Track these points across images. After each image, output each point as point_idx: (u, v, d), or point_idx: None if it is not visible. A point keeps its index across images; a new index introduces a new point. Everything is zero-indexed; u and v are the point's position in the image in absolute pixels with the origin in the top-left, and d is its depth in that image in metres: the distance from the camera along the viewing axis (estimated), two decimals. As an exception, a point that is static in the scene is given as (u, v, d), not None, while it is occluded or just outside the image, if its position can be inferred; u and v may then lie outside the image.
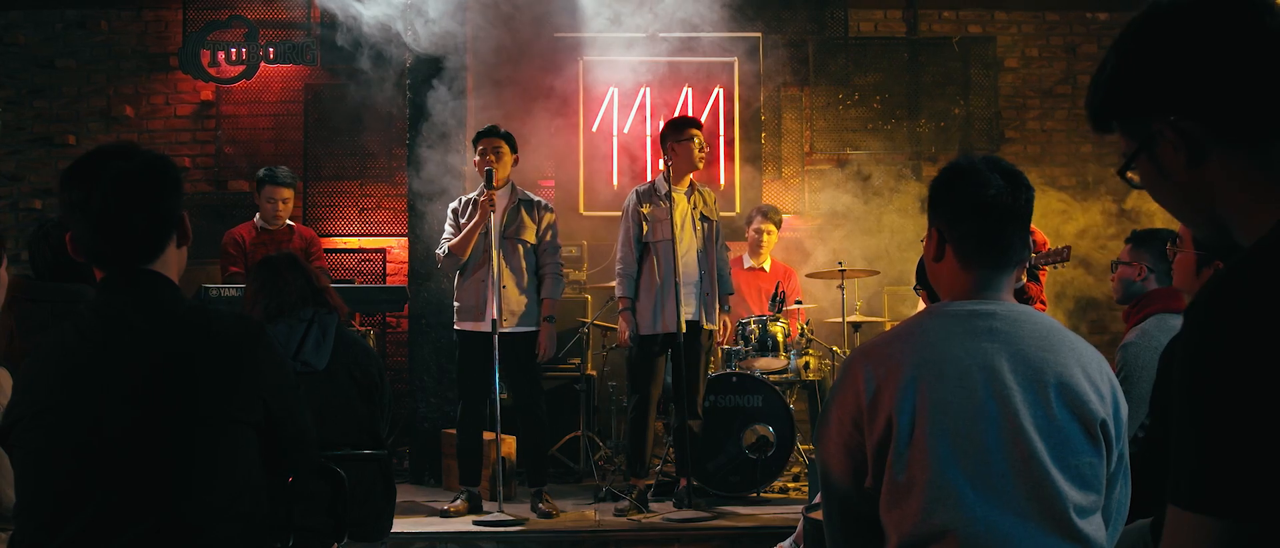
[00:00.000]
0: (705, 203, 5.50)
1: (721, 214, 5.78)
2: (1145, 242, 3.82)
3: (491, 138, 5.42)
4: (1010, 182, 1.97)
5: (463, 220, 5.46)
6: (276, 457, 1.96)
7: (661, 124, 5.82)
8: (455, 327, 5.51)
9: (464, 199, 5.55)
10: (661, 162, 5.47)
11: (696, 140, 5.40)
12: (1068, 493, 1.83)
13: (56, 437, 1.83)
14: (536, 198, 5.57)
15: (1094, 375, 1.91)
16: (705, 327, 5.42)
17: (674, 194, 5.40)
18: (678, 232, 5.33)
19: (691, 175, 5.46)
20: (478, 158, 5.44)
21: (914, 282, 5.57)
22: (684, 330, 5.26)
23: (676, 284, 5.24)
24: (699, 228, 5.39)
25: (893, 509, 1.87)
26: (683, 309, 5.25)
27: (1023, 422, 1.84)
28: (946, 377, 1.87)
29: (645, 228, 5.38)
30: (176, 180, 1.97)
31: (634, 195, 5.49)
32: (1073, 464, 1.85)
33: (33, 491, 1.86)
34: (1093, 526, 1.87)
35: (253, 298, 3.26)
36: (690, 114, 7.47)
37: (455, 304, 5.52)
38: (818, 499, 3.40)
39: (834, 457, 1.96)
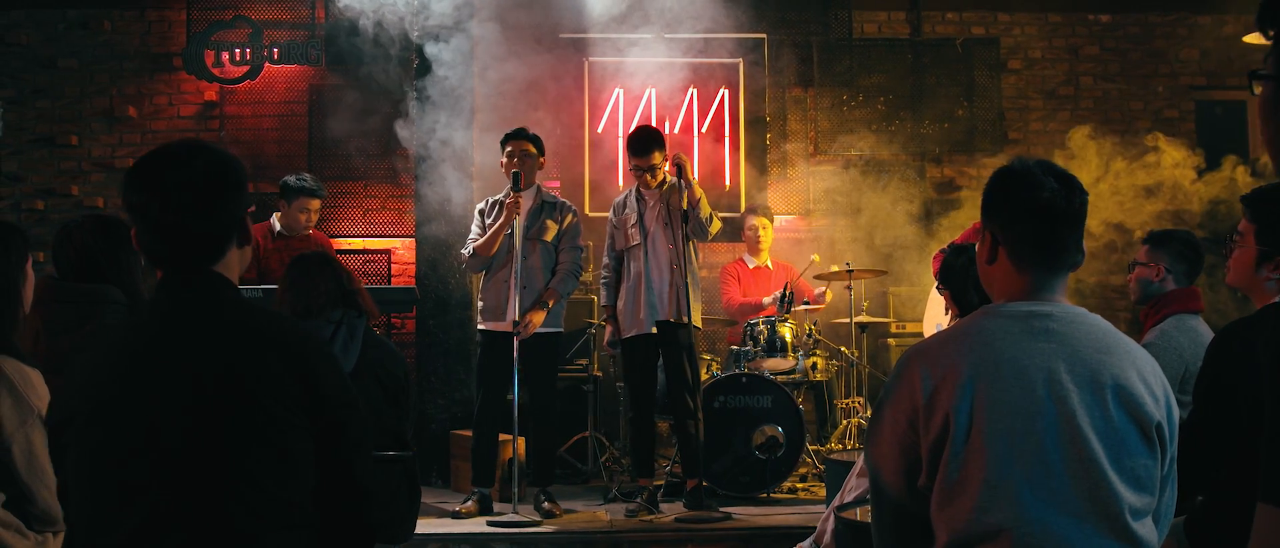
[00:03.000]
0: (679, 201, 5.39)
1: (726, 214, 5.81)
2: (1163, 242, 3.84)
3: (519, 140, 5.46)
4: (1064, 185, 1.98)
5: (488, 221, 5.50)
6: (332, 466, 1.90)
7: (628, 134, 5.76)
8: (479, 326, 5.55)
9: (490, 200, 5.60)
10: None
11: (640, 169, 5.39)
12: (1124, 495, 1.84)
13: (111, 437, 1.81)
14: (560, 199, 5.62)
15: (1149, 378, 1.93)
16: (684, 322, 5.36)
17: (644, 200, 5.48)
18: (650, 236, 5.41)
19: (665, 176, 5.46)
20: (505, 159, 5.47)
21: (936, 282, 5.59)
22: (655, 331, 5.37)
23: (647, 288, 5.37)
24: (669, 229, 5.39)
25: (945, 507, 1.88)
26: (651, 310, 5.37)
27: (1081, 423, 1.85)
28: (1004, 378, 1.88)
29: (614, 238, 5.55)
30: (239, 183, 1.94)
31: (611, 208, 5.66)
32: (1129, 467, 1.86)
33: (87, 491, 1.83)
34: (1145, 527, 1.88)
35: (282, 295, 3.25)
36: (696, 115, 7.50)
37: (479, 303, 5.57)
38: (850, 498, 3.41)
39: (887, 456, 1.97)
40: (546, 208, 5.52)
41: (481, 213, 5.58)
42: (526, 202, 5.42)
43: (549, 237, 5.47)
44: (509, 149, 5.46)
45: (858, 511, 3.28)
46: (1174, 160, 6.42)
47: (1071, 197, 1.98)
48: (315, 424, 1.85)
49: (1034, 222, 1.97)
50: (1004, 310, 1.98)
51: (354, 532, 1.97)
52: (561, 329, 5.60)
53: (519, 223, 5.31)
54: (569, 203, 5.65)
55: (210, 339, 1.84)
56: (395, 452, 3.30)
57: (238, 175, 1.94)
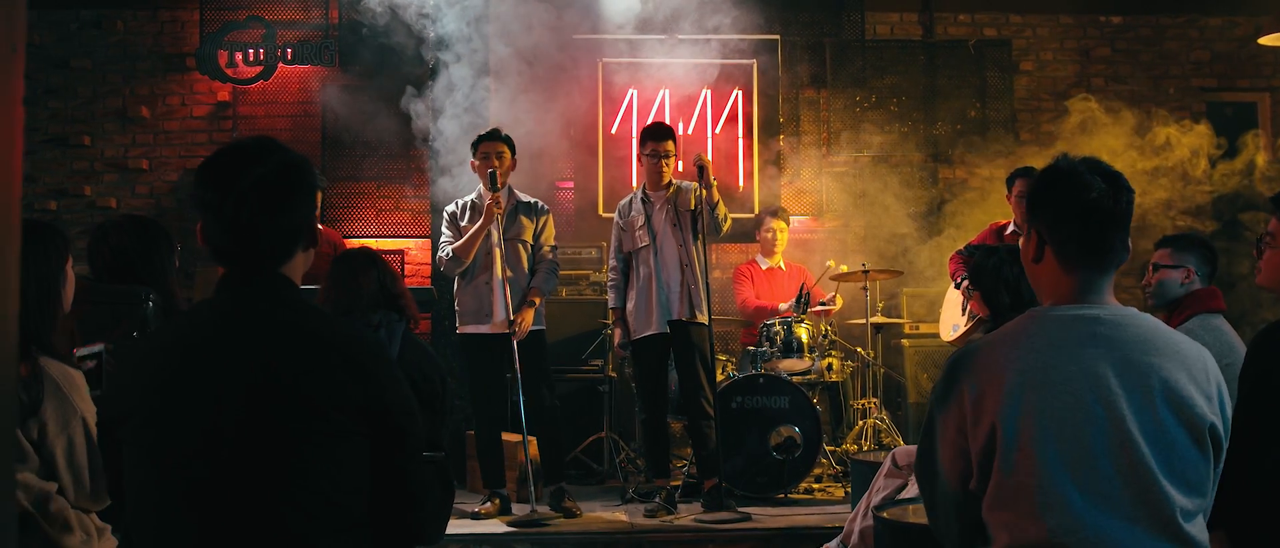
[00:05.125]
0: (687, 202, 5.45)
1: (737, 215, 5.81)
2: (1188, 246, 3.85)
3: (493, 142, 5.45)
4: (1111, 184, 1.97)
5: (462, 224, 5.50)
6: (388, 471, 1.90)
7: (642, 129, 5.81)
8: (459, 331, 5.53)
9: (461, 203, 5.60)
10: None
11: (657, 154, 5.42)
12: (1175, 498, 1.84)
13: (170, 437, 1.79)
14: (532, 199, 5.62)
15: (1200, 379, 1.91)
16: (696, 321, 5.39)
17: (650, 201, 5.50)
18: (660, 237, 5.43)
19: (671, 178, 5.50)
20: (477, 161, 5.47)
21: (953, 282, 5.59)
22: (667, 331, 5.39)
23: (659, 289, 5.39)
24: (677, 230, 5.42)
25: (998, 512, 1.88)
26: (663, 310, 5.38)
27: (1130, 427, 1.85)
28: (1052, 383, 1.87)
29: (621, 240, 5.56)
30: (313, 187, 1.93)
31: (616, 210, 5.67)
32: (1180, 469, 1.86)
33: (151, 496, 1.81)
34: (1197, 527, 1.88)
35: (324, 293, 3.24)
36: (709, 116, 7.51)
37: (457, 308, 5.55)
38: (878, 499, 3.43)
39: (944, 459, 1.97)
40: (522, 208, 5.52)
41: (453, 216, 5.55)
42: (501, 202, 5.40)
43: (527, 236, 5.48)
44: (482, 150, 5.44)
45: (888, 511, 3.29)
46: (1190, 145, 6.44)
47: (1119, 195, 1.97)
48: (374, 430, 1.84)
49: (1082, 221, 1.96)
50: (1053, 313, 1.97)
51: (403, 535, 1.97)
52: (545, 327, 5.60)
53: (498, 224, 5.32)
54: (542, 203, 5.64)
55: (270, 339, 1.82)
56: (429, 453, 3.29)
57: (311, 178, 1.93)
